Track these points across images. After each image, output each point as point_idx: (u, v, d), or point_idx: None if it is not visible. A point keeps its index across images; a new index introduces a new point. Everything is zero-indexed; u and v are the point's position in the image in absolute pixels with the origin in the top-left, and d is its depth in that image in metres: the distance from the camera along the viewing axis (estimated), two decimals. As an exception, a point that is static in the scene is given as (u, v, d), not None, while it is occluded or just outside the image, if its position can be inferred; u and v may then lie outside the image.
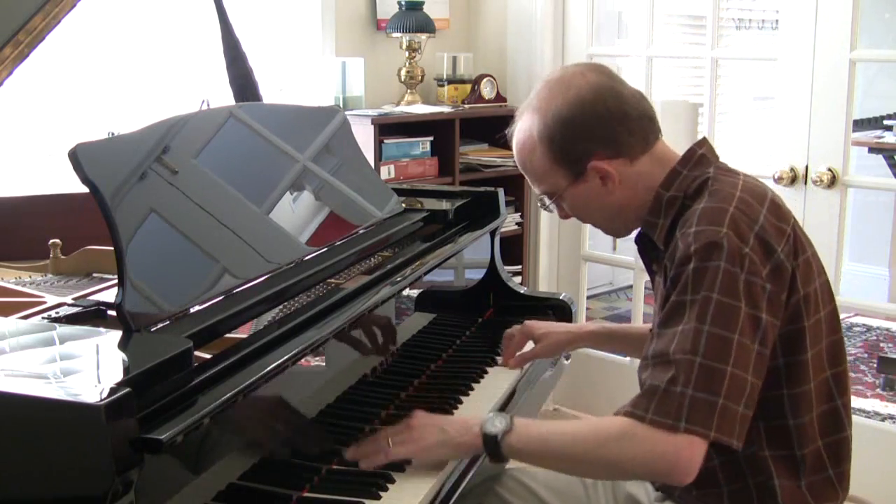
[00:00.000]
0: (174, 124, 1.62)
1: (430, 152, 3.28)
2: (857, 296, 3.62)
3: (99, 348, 1.27)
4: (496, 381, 1.91)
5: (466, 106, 3.44)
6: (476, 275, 2.29)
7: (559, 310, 2.28)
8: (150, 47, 3.02)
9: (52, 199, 2.33)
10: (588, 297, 4.16)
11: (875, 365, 4.17)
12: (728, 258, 1.36)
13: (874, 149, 4.57)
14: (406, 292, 1.92)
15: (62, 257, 2.01)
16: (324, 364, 1.59)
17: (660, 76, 3.77)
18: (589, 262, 3.64)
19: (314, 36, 3.32)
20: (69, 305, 1.52)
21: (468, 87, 3.50)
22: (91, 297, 1.56)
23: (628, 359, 3.32)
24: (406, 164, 3.20)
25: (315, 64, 3.32)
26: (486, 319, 2.25)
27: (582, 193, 1.56)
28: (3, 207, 2.29)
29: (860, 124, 4.54)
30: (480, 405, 1.78)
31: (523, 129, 1.58)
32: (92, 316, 1.48)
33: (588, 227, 3.60)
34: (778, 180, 2.85)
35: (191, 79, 3.01)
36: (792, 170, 2.86)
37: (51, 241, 2.01)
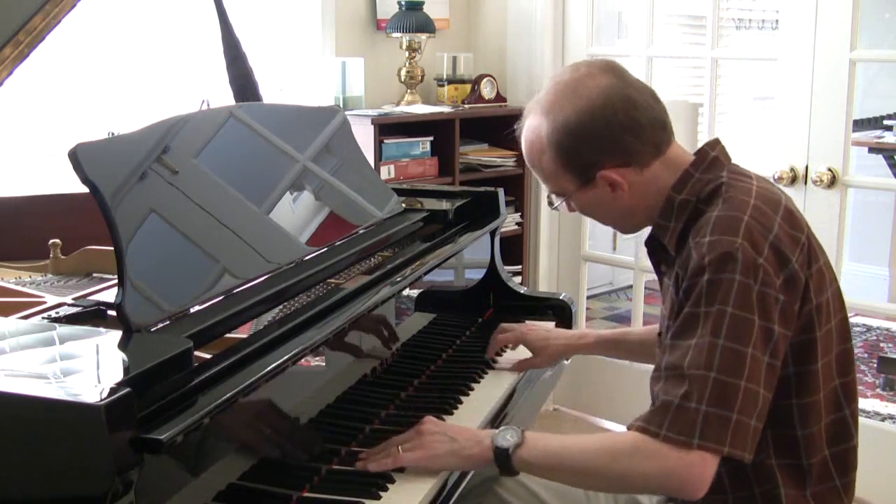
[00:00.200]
0: (174, 124, 1.62)
1: (430, 152, 3.28)
2: (857, 296, 3.61)
3: (99, 348, 1.27)
4: (496, 382, 1.91)
5: (466, 106, 3.44)
6: (476, 275, 2.29)
7: (559, 310, 2.28)
8: (150, 47, 3.02)
9: (52, 199, 2.33)
10: (588, 297, 4.16)
11: (875, 365, 4.17)
12: (742, 270, 1.34)
13: (874, 149, 4.58)
14: (406, 292, 1.92)
15: (62, 257, 2.01)
16: (324, 364, 1.59)
17: (660, 76, 3.76)
18: (589, 262, 3.64)
19: (314, 36, 3.32)
20: (69, 305, 1.52)
21: (468, 87, 3.50)
22: (91, 297, 1.56)
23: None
24: (406, 164, 3.20)
25: (315, 64, 3.32)
26: (486, 319, 2.25)
27: (590, 198, 1.54)
28: (3, 207, 2.29)
29: (860, 124, 4.54)
30: (480, 405, 1.78)
31: (532, 129, 1.54)
32: (92, 316, 1.48)
33: (588, 227, 3.60)
34: (778, 180, 2.85)
35: (191, 79, 3.01)
36: (792, 170, 2.87)
37: (51, 241, 2.01)
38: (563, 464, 1.43)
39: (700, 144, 1.57)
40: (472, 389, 1.84)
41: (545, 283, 3.63)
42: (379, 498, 1.41)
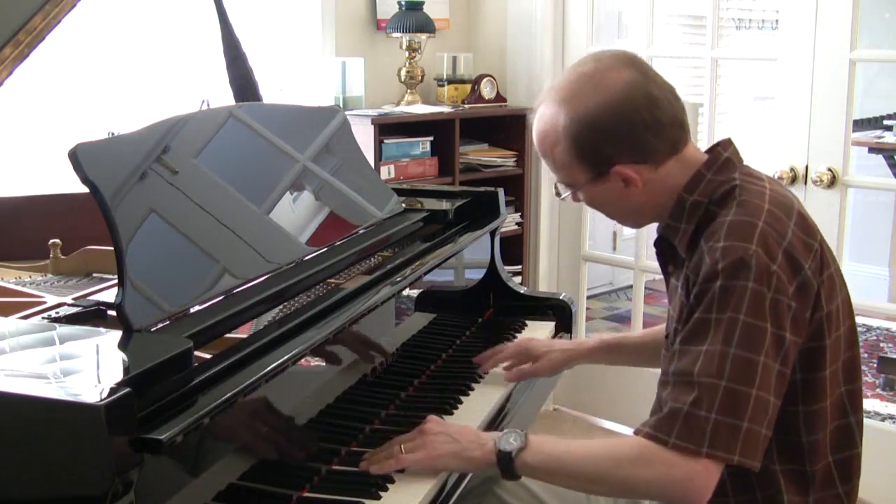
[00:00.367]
0: (174, 124, 1.61)
1: (430, 152, 3.28)
2: (857, 296, 3.60)
3: (99, 348, 1.27)
4: (496, 382, 1.90)
5: (466, 106, 3.44)
6: (476, 275, 2.29)
7: (559, 310, 2.28)
8: (150, 47, 3.02)
9: (52, 199, 2.33)
10: (588, 297, 4.16)
11: (875, 365, 4.17)
12: (756, 277, 1.33)
13: (874, 149, 4.58)
14: (406, 292, 1.92)
15: (62, 257, 2.01)
16: (324, 364, 1.59)
17: (660, 76, 3.76)
18: (589, 262, 3.64)
19: (314, 36, 3.32)
20: (69, 305, 1.52)
21: (468, 87, 3.50)
22: (91, 297, 1.56)
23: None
24: (406, 164, 3.20)
25: (315, 64, 3.32)
26: (486, 319, 2.25)
27: (601, 192, 1.51)
28: (3, 207, 2.29)
29: (860, 124, 4.54)
30: (480, 405, 1.78)
31: (547, 118, 1.49)
32: (92, 316, 1.48)
33: (588, 227, 3.60)
34: (778, 180, 2.85)
35: (191, 79, 3.01)
36: (792, 170, 2.86)
37: (51, 241, 2.01)
38: (566, 468, 1.42)
39: (699, 144, 1.55)
40: (472, 389, 1.84)
41: (545, 283, 3.63)
42: (379, 498, 1.41)
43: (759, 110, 5.57)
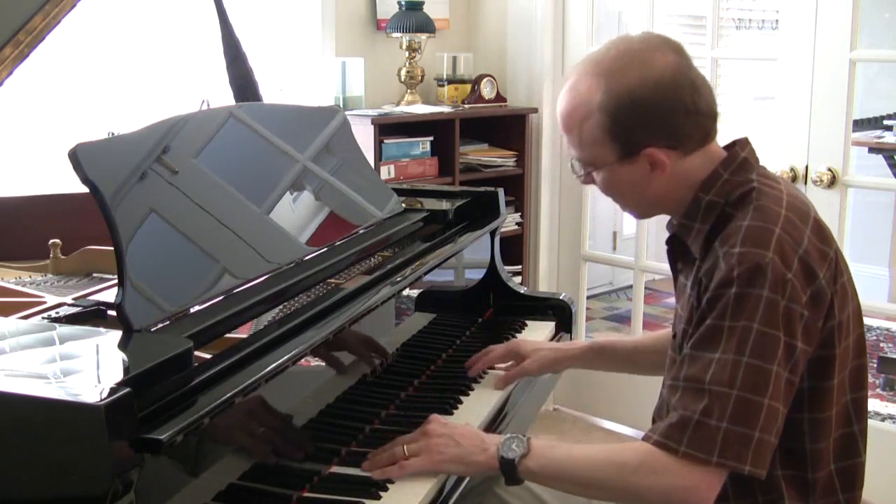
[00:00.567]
0: (174, 124, 1.61)
1: (430, 152, 3.28)
2: (857, 296, 3.62)
3: (99, 348, 1.27)
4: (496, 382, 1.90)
5: (466, 106, 3.44)
6: (476, 275, 2.29)
7: (559, 310, 2.28)
8: (150, 47, 3.02)
9: (52, 199, 2.33)
10: (588, 297, 4.15)
11: (875, 365, 4.17)
12: (771, 285, 1.32)
13: (874, 149, 4.57)
14: (406, 292, 1.92)
15: (62, 257, 2.01)
16: (324, 364, 1.59)
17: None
18: (589, 262, 3.64)
19: (314, 36, 3.32)
20: (69, 305, 1.52)
21: (468, 87, 3.50)
22: (91, 297, 1.56)
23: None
24: (406, 164, 3.20)
25: (315, 64, 3.32)
26: (486, 319, 2.25)
27: (625, 175, 1.46)
28: (3, 207, 2.29)
29: (860, 124, 4.54)
30: (480, 405, 1.78)
31: (581, 90, 1.44)
32: (92, 316, 1.48)
33: (588, 227, 3.60)
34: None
35: (191, 79, 3.01)
36: (792, 170, 2.86)
37: (51, 241, 2.01)
38: (568, 474, 1.42)
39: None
40: (472, 389, 1.84)
41: (545, 283, 3.63)
42: (379, 498, 1.41)
43: (759, 110, 5.56)
